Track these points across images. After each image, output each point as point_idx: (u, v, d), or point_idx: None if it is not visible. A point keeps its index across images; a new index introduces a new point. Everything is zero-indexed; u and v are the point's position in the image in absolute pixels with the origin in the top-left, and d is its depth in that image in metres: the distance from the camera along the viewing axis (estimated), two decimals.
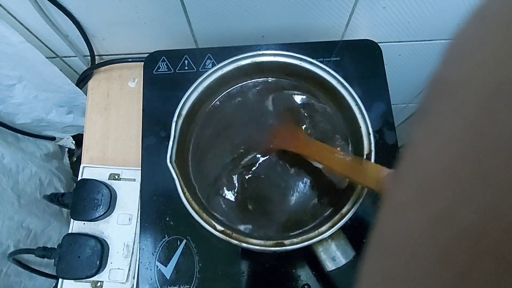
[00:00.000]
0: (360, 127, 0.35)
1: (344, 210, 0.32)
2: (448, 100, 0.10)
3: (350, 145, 0.39)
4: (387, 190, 0.13)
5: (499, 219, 0.08)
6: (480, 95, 0.09)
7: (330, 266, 0.32)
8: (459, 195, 0.09)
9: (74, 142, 0.71)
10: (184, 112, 0.37)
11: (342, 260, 0.32)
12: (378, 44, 0.48)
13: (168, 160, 0.34)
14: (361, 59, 0.47)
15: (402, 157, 0.12)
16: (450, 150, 0.10)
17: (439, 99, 0.11)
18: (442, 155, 0.10)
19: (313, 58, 0.38)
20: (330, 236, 0.31)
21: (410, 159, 0.12)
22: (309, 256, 0.40)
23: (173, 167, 0.34)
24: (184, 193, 0.33)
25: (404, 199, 0.11)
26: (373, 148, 0.34)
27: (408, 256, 0.10)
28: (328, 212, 0.35)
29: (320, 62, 0.38)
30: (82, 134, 0.52)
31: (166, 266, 0.41)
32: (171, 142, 0.35)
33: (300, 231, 0.34)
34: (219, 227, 0.32)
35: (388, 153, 0.43)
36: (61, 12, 0.45)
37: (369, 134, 0.35)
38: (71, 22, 0.46)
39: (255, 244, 0.31)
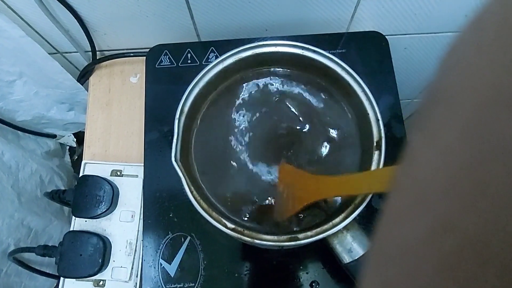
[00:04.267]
0: (368, 114, 0.34)
1: (358, 200, 0.31)
2: (446, 108, 0.10)
3: (359, 134, 0.37)
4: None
5: (501, 228, 0.08)
6: (477, 102, 0.09)
7: (347, 258, 0.31)
8: (460, 204, 0.09)
9: (75, 140, 0.70)
10: (186, 109, 0.36)
11: (359, 251, 0.30)
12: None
13: (173, 159, 0.33)
14: (368, 51, 0.47)
15: (400, 164, 0.12)
16: (449, 158, 0.09)
17: (437, 106, 0.11)
18: (441, 163, 0.10)
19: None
20: (345, 228, 0.30)
21: (408, 167, 0.12)
22: (319, 251, 0.39)
23: (178, 166, 0.33)
24: (191, 192, 0.32)
25: (404, 208, 0.11)
26: (383, 135, 0.33)
27: (409, 266, 0.10)
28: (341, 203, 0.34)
29: None
30: (83, 132, 0.51)
31: (170, 264, 0.40)
32: (174, 140, 0.34)
33: (313, 223, 0.33)
34: (230, 225, 0.31)
35: (397, 147, 0.42)
36: (62, 6, 0.44)
37: (377, 120, 0.33)
38: (72, 16, 0.46)
39: (268, 240, 0.30)
